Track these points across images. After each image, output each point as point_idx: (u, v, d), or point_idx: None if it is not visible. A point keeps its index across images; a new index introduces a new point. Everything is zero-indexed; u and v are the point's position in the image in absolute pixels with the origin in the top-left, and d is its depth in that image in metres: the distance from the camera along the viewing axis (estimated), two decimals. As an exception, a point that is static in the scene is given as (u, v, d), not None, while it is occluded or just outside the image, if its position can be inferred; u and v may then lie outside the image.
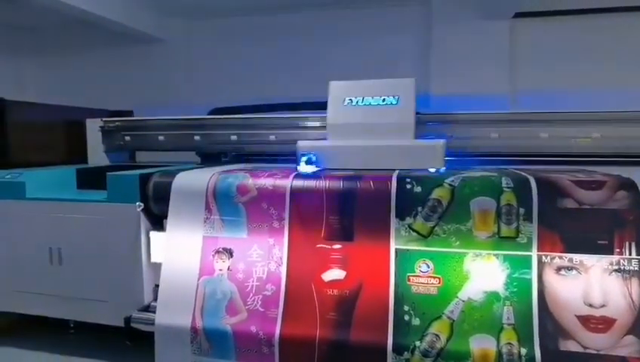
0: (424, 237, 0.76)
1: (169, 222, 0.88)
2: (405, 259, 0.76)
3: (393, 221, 0.78)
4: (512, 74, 1.36)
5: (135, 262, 0.94)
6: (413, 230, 0.77)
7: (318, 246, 0.80)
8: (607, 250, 0.70)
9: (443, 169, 0.89)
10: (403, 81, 1.01)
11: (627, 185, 0.72)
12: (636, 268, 0.69)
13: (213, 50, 1.61)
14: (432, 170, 0.89)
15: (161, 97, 1.58)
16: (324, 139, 1.01)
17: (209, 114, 1.39)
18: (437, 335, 0.72)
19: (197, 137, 1.24)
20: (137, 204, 0.93)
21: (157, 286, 0.94)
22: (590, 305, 0.69)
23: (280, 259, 0.81)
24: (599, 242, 0.71)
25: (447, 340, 0.71)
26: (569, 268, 0.71)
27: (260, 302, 0.80)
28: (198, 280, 0.83)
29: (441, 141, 0.92)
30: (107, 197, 0.96)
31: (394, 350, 0.72)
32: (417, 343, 0.72)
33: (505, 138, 1.05)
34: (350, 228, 0.79)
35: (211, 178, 0.88)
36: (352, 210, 0.80)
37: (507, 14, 1.36)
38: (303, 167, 0.92)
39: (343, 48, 1.47)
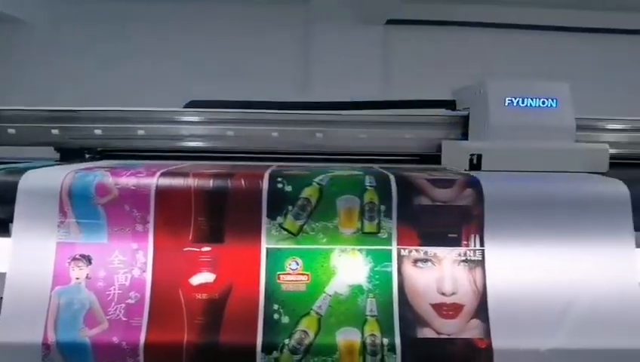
0: (294, 235, 0.76)
1: (15, 227, 0.76)
2: (276, 258, 0.75)
3: (264, 220, 0.76)
4: (386, 79, 1.44)
5: (-28, 274, 0.81)
6: (284, 229, 0.76)
7: (186, 249, 0.75)
8: (457, 243, 0.76)
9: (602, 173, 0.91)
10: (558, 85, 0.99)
11: (473, 183, 0.78)
12: (480, 258, 0.75)
13: (80, 35, 1.46)
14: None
15: (17, 85, 1.39)
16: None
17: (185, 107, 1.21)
18: (305, 331, 0.72)
19: (55, 131, 1.09)
20: (-25, 206, 0.80)
21: (0, 298, 0.82)
22: (443, 294, 0.74)
23: (144, 265, 0.75)
24: (450, 235, 0.76)
25: (316, 335, 0.72)
26: (425, 261, 0.75)
27: (122, 311, 0.73)
28: (51, 290, 0.73)
29: (603, 145, 0.94)
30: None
31: (263, 349, 0.71)
32: (286, 341, 0.71)
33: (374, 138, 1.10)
34: (220, 229, 0.76)
35: (66, 177, 0.78)
36: (223, 210, 0.77)
37: (380, 20, 1.43)
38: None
39: (223, 44, 1.43)
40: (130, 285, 0.74)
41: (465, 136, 1.10)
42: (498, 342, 0.72)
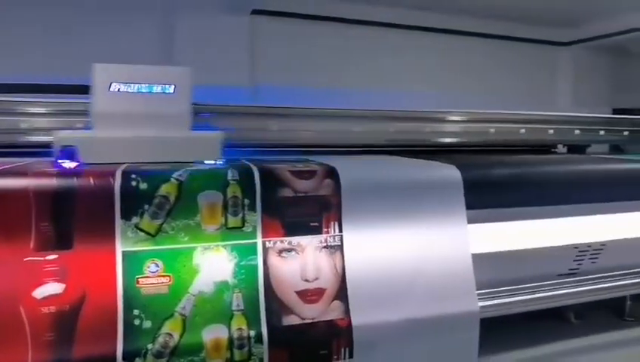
0: (152, 236, 0.71)
1: None
2: (133, 262, 0.69)
3: (118, 222, 0.70)
4: (253, 68, 1.41)
5: None
6: (141, 230, 0.71)
7: (27, 259, 0.66)
8: (318, 231, 0.78)
9: (220, 161, 0.83)
10: (178, 70, 0.90)
11: (331, 173, 0.81)
12: (339, 243, 0.79)
13: None
14: (210, 162, 0.82)
15: None
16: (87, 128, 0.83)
17: None
18: (169, 334, 0.68)
19: None
20: None
21: None
22: (306, 280, 0.76)
23: (-28, 282, 0.64)
24: (312, 224, 0.78)
25: (181, 337, 0.69)
26: (289, 250, 0.77)
27: (-57, 339, 0.62)
28: None
29: (218, 132, 0.86)
30: None
31: (124, 358, 0.66)
32: (149, 346, 0.67)
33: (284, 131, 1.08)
34: (68, 234, 0.68)
35: None
36: (70, 213, 0.69)
37: (245, 10, 1.40)
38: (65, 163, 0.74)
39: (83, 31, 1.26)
40: (-45, 307, 0.63)
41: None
42: (357, 319, 0.77)
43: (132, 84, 0.86)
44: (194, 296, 0.71)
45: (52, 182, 0.68)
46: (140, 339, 0.67)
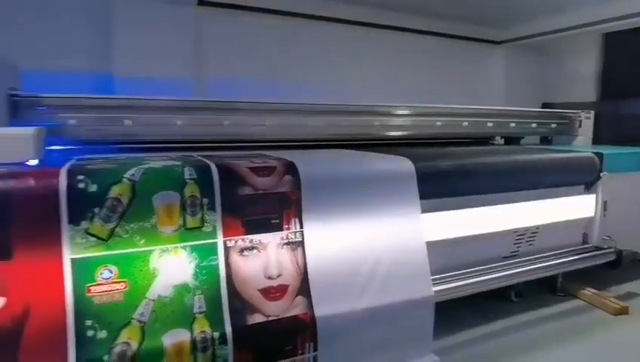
0: (104, 240, 0.64)
1: None
2: (83, 269, 0.63)
3: (65, 227, 0.63)
4: (198, 59, 1.34)
5: None
6: (91, 234, 0.64)
7: (-43, 273, 0.58)
8: (279, 228, 0.75)
9: (36, 161, 0.72)
10: None
11: (290, 168, 0.78)
12: (300, 239, 0.76)
13: None
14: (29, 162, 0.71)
15: None
16: None
17: None
18: (127, 342, 0.63)
19: None
20: None
21: None
22: (269, 278, 0.73)
23: None
24: (273, 221, 0.75)
25: (140, 345, 0.63)
26: (251, 248, 0.73)
27: None
28: None
29: (37, 128, 0.74)
30: None
31: (78, 373, 0.60)
32: (105, 358, 0.61)
33: (190, 125, 1.02)
34: (6, 243, 0.60)
35: None
36: (8, 219, 0.61)
37: (190, 1, 1.32)
38: None
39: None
40: None
41: None
42: (320, 312, 0.75)
43: None
44: (152, 300, 0.65)
45: None
46: (94, 351, 0.61)
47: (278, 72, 1.45)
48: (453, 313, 1.02)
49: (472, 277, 0.99)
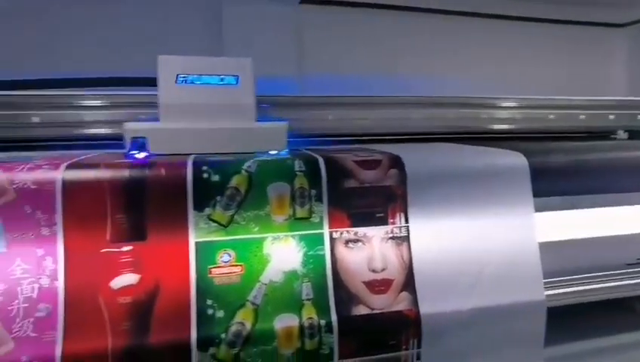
0: (224, 226, 0.69)
1: None
2: (206, 252, 0.68)
3: (191, 213, 0.68)
4: (301, 58, 1.38)
5: None
6: (213, 220, 0.69)
7: (103, 251, 0.65)
8: (384, 221, 0.75)
9: (285, 151, 0.82)
10: (240, 61, 0.87)
11: (396, 162, 0.77)
12: (405, 234, 0.75)
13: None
14: (274, 152, 0.81)
15: None
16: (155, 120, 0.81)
17: None
18: (242, 323, 0.67)
19: None
20: None
21: None
22: (373, 271, 0.73)
23: (54, 272, 0.63)
24: (378, 215, 0.75)
25: (253, 326, 0.67)
26: (355, 241, 0.73)
27: (31, 327, 0.61)
28: (-61, 312, 0.60)
29: (283, 123, 0.84)
30: None
31: (198, 347, 0.65)
32: (223, 335, 0.66)
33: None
34: (141, 225, 0.67)
35: (-54, 177, 0.63)
36: (143, 204, 0.68)
37: (293, 0, 1.36)
38: (136, 154, 0.74)
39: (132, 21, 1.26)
40: (39, 296, 0.63)
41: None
42: (425, 310, 0.73)
43: (197, 76, 0.84)
44: (265, 284, 0.69)
45: (126, 174, 0.67)
46: (213, 328, 0.66)
47: (383, 67, 1.44)
48: (567, 321, 0.94)
49: (593, 283, 0.90)
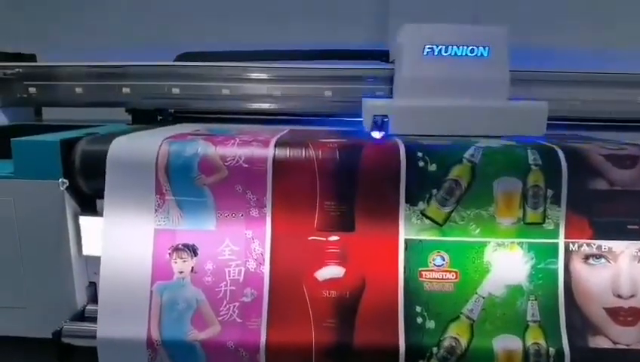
0: (439, 225, 0.59)
1: (107, 206, 0.61)
2: (417, 252, 0.59)
3: (402, 206, 0.59)
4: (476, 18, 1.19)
5: (60, 256, 0.66)
6: (427, 217, 0.59)
7: (311, 238, 0.59)
8: (637, 236, 0.58)
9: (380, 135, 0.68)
10: (494, 29, 0.74)
11: (661, 161, 0.59)
12: (662, 253, 0.58)
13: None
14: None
15: (69, 37, 1.19)
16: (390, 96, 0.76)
17: (176, 60, 0.99)
18: (456, 338, 0.57)
19: (126, 89, 0.92)
20: (60, 180, 0.64)
21: (91, 283, 0.69)
22: (619, 296, 0.58)
23: (261, 257, 0.59)
24: (629, 227, 0.59)
25: (468, 343, 0.57)
26: (597, 256, 0.58)
27: (237, 311, 0.58)
28: (152, 286, 0.59)
29: (542, 103, 0.72)
30: (14, 172, 0.65)
31: (407, 357, 0.56)
32: (434, 349, 0.56)
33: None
34: (350, 215, 0.60)
35: (160, 148, 0.61)
36: (353, 192, 0.60)
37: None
38: (374, 133, 0.67)
39: None
40: (245, 280, 0.59)
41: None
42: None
43: (446, 47, 0.73)
44: (483, 298, 0.58)
45: (336, 159, 0.60)
46: (423, 340, 0.57)
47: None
48: None
49: None
